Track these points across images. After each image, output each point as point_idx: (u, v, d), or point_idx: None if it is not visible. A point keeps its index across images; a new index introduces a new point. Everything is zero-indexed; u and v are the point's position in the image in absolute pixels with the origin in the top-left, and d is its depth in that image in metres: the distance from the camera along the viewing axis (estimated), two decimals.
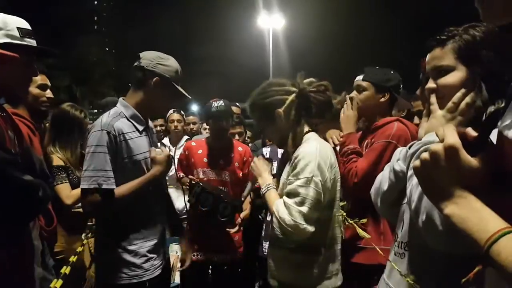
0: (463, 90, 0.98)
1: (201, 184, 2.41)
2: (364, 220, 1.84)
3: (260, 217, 3.01)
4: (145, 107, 1.87)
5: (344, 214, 1.80)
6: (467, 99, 0.96)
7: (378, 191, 1.21)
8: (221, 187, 2.60)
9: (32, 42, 1.50)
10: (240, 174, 2.68)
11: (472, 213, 0.63)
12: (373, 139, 1.98)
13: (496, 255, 0.56)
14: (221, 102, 2.58)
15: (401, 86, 2.12)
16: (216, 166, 2.64)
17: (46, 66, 2.30)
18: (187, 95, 1.95)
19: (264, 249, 2.62)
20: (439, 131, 0.68)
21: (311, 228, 1.45)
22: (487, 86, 0.95)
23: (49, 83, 2.29)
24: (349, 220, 1.81)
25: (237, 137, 3.21)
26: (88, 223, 2.59)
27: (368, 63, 2.24)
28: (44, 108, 2.25)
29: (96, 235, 1.94)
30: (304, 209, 1.44)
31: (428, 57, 1.11)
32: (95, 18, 26.94)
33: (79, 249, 2.39)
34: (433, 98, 1.05)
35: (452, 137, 0.65)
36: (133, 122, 1.82)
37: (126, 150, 1.75)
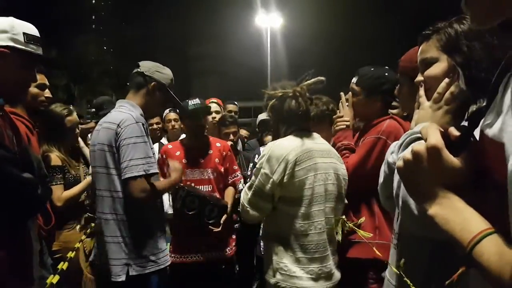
0: (446, 80, 1.00)
1: (185, 187, 2.41)
2: (363, 219, 1.85)
3: None
4: (144, 109, 2.07)
5: (344, 217, 1.82)
6: (452, 88, 0.98)
7: (380, 185, 1.23)
8: (205, 186, 2.60)
9: (37, 49, 1.52)
10: (222, 170, 2.67)
11: (455, 214, 0.62)
12: (365, 136, 2.01)
13: (479, 256, 0.56)
14: (197, 100, 2.61)
15: (398, 86, 2.09)
16: (196, 165, 2.62)
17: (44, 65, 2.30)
18: (179, 101, 2.25)
19: (261, 248, 2.63)
20: (423, 130, 0.68)
21: (251, 211, 1.67)
22: (467, 75, 0.96)
23: (47, 83, 2.30)
24: (349, 224, 1.82)
25: (231, 136, 3.20)
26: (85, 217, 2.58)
27: (366, 62, 2.23)
28: (43, 108, 2.25)
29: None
30: (250, 193, 1.66)
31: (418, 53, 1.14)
32: (93, 17, 26.86)
33: (77, 245, 2.40)
34: (421, 91, 1.09)
35: (434, 137, 0.65)
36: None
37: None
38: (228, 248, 2.63)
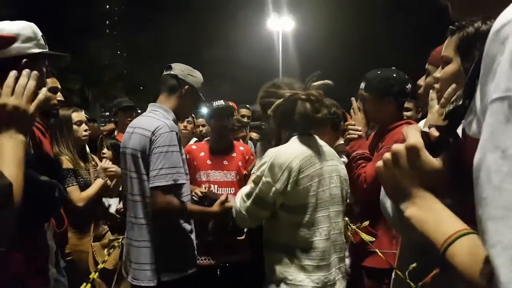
0: (453, 86, 0.97)
1: (208, 196, 2.36)
2: (366, 223, 1.83)
3: None
4: (176, 112, 2.08)
5: (347, 219, 1.79)
6: (458, 94, 0.95)
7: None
8: (228, 188, 2.58)
9: (54, 52, 1.50)
10: (244, 173, 2.67)
11: (431, 215, 0.61)
12: (383, 143, 1.96)
13: (451, 257, 0.55)
14: (221, 102, 2.63)
15: (409, 86, 2.02)
16: (220, 167, 2.63)
17: (59, 69, 2.33)
18: (206, 103, 2.28)
19: None
20: (404, 131, 0.68)
21: (249, 220, 1.60)
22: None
23: (59, 86, 2.33)
24: (352, 226, 1.80)
25: (241, 141, 3.21)
26: (99, 226, 2.60)
27: (378, 65, 2.19)
28: (55, 111, 2.28)
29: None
30: (248, 201, 1.56)
31: None
32: (107, 22, 27.26)
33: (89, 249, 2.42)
34: (432, 93, 1.06)
35: (414, 137, 0.64)
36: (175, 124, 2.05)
37: (181, 147, 2.00)
38: (244, 249, 2.58)
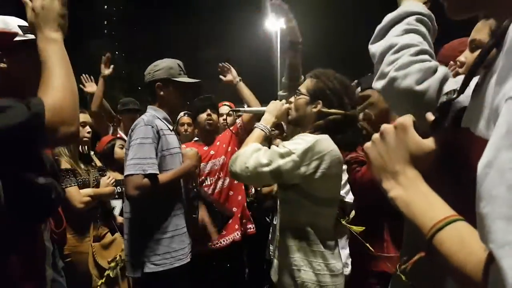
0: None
1: (198, 190, 2.43)
2: (353, 213, 1.84)
3: (267, 219, 3.01)
4: (167, 108, 2.16)
5: (337, 212, 1.80)
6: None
7: None
8: (218, 172, 2.63)
9: (34, 37, 1.48)
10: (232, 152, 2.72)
11: (418, 197, 0.59)
12: None
13: (439, 244, 0.53)
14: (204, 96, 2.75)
15: None
16: (208, 158, 2.67)
17: None
18: (192, 80, 2.16)
19: (271, 252, 2.62)
20: (396, 118, 0.68)
21: (255, 182, 1.73)
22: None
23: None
24: (341, 221, 1.81)
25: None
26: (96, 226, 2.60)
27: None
28: None
29: (131, 229, 2.06)
30: (265, 169, 1.47)
31: None
32: (105, 22, 27.18)
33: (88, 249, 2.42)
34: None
35: (404, 118, 0.65)
36: (165, 122, 2.13)
37: (165, 144, 2.03)
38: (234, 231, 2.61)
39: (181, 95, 2.19)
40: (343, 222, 1.78)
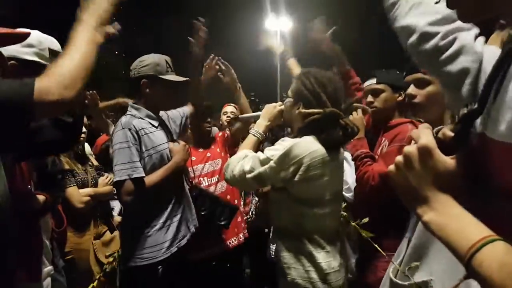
0: None
1: (198, 186, 2.42)
2: (366, 220, 1.81)
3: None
4: (152, 106, 2.09)
5: (345, 214, 1.79)
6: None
7: None
8: (216, 176, 2.63)
9: None
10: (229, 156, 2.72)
11: (452, 220, 0.57)
12: (387, 139, 1.96)
13: (478, 265, 0.51)
14: None
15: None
16: (205, 160, 2.66)
17: None
18: (180, 78, 2.10)
19: (271, 252, 2.62)
20: (414, 133, 0.65)
21: (240, 187, 1.92)
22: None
23: None
24: (352, 222, 1.80)
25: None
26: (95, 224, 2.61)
27: (377, 66, 2.22)
28: None
29: (123, 227, 2.16)
30: (249, 176, 1.53)
31: None
32: None
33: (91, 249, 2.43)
34: None
35: (426, 138, 0.62)
36: (148, 120, 2.06)
37: (148, 143, 1.98)
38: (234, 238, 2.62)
39: (168, 93, 2.13)
40: (354, 224, 1.77)
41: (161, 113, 2.27)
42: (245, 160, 1.59)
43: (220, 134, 2.85)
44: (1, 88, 0.94)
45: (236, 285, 2.67)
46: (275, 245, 2.40)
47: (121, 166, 1.88)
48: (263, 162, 1.53)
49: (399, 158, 0.65)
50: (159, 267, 2.00)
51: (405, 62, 1.49)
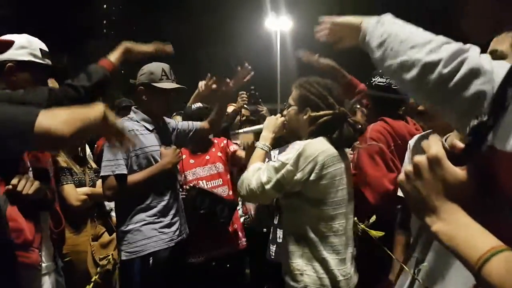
0: None
1: (196, 187, 2.43)
2: (373, 218, 1.81)
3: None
4: (149, 111, 2.25)
5: (355, 219, 1.79)
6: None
7: None
8: (216, 180, 2.65)
9: (49, 63, 1.71)
10: (227, 161, 2.78)
11: (461, 230, 0.58)
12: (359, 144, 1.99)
13: (487, 275, 0.52)
14: (199, 104, 2.79)
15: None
16: (204, 163, 2.69)
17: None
18: (171, 86, 2.20)
19: (271, 253, 2.61)
20: (424, 144, 0.65)
21: (262, 200, 1.86)
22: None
23: (58, 86, 2.32)
24: (360, 225, 1.80)
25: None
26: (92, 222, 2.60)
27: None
28: None
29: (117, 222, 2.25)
30: (268, 186, 1.56)
31: None
32: (104, 22, 27.17)
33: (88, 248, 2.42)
34: None
35: (436, 147, 0.62)
36: (143, 123, 2.22)
37: (137, 143, 2.02)
38: (234, 242, 2.65)
39: (160, 100, 2.24)
40: (362, 226, 1.78)
41: (170, 121, 2.41)
42: (259, 172, 1.62)
43: (216, 141, 2.85)
44: (6, 112, 0.99)
45: (236, 285, 2.66)
46: (275, 246, 2.40)
47: (106, 163, 2.04)
48: (279, 169, 1.56)
49: (409, 167, 0.65)
50: (150, 258, 2.09)
51: None
